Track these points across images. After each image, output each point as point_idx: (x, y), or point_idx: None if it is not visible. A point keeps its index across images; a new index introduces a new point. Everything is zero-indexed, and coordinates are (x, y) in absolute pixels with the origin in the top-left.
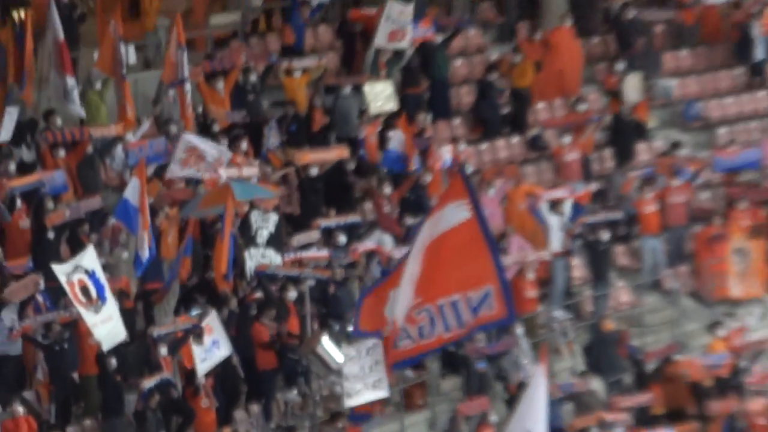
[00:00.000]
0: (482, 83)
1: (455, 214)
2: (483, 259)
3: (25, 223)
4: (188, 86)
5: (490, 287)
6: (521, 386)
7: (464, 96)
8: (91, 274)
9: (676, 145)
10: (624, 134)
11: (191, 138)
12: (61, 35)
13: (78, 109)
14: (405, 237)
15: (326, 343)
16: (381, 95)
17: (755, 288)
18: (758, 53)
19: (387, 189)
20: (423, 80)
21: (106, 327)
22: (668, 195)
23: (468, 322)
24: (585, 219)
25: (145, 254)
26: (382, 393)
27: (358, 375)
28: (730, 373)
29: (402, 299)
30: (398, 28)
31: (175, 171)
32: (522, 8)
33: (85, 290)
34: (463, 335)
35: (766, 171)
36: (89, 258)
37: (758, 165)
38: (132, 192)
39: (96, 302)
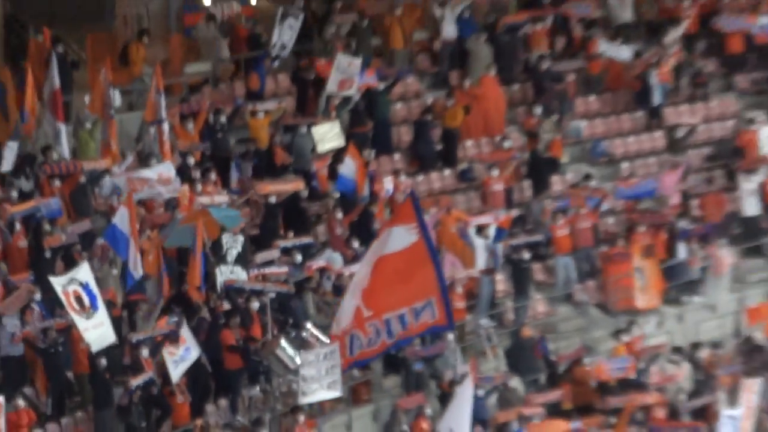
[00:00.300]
0: (419, 123)
1: (404, 237)
2: (429, 275)
3: (23, 243)
4: (166, 125)
5: (433, 298)
6: (452, 383)
7: (403, 134)
8: (85, 286)
9: (586, 177)
10: (540, 168)
11: (135, 173)
12: (57, 84)
13: (65, 152)
14: (353, 257)
15: (284, 346)
16: (328, 134)
17: (653, 300)
18: (655, 99)
19: (339, 214)
20: (368, 121)
21: (97, 331)
22: (577, 221)
23: (411, 327)
24: (508, 241)
25: (138, 273)
26: (336, 393)
27: (315, 377)
28: (632, 373)
29: (346, 310)
30: (347, 77)
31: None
32: (453, 59)
33: (78, 299)
34: (406, 337)
35: (661, 199)
36: (84, 272)
37: (654, 194)
38: (121, 219)
39: (88, 310)
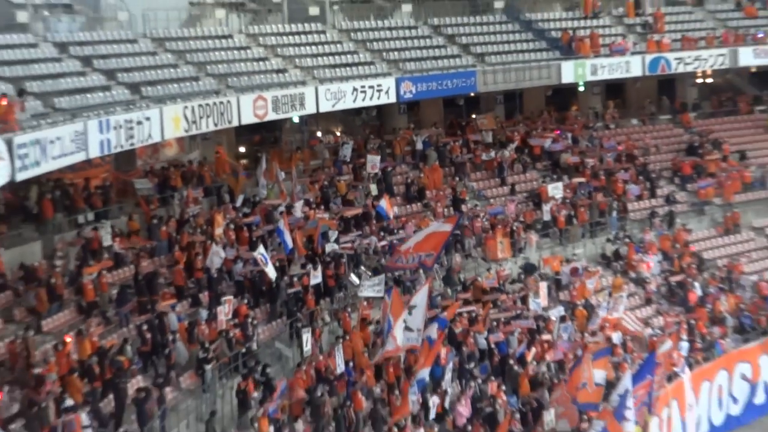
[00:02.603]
0: None
1: (440, 226)
2: (440, 242)
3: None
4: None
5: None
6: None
7: None
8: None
9: None
10: None
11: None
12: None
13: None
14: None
15: (351, 275)
16: None
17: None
18: None
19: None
20: None
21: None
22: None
23: (425, 261)
24: None
25: (289, 245)
26: (379, 294)
27: (366, 286)
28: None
29: (403, 248)
30: None
31: None
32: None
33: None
34: (421, 264)
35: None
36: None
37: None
38: (281, 225)
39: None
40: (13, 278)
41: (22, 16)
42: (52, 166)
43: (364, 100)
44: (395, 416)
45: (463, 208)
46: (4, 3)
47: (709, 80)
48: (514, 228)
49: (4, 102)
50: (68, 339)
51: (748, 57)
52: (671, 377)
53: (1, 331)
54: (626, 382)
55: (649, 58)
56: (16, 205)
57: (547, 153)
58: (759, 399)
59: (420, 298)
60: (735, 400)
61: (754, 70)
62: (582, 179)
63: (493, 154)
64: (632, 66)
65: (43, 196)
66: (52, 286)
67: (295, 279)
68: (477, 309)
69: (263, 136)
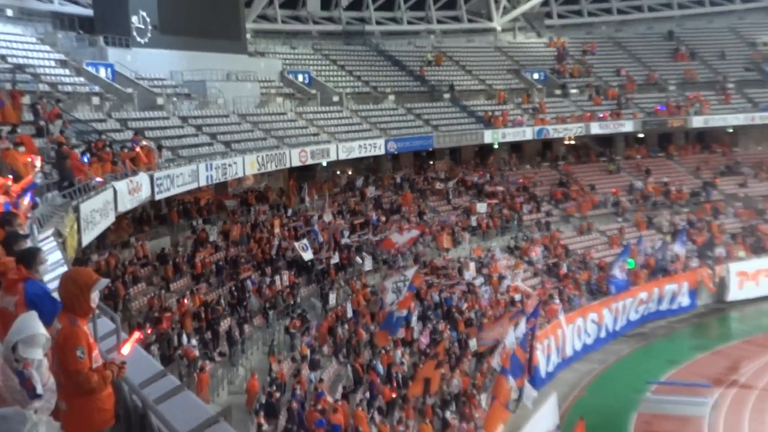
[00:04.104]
0: None
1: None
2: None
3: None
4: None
5: None
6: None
7: None
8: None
9: None
10: None
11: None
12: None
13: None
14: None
15: (358, 257)
16: None
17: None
18: None
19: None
20: None
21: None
22: None
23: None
24: None
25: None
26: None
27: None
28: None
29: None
30: None
31: None
32: None
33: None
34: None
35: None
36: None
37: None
38: None
39: None
40: (152, 258)
41: (159, 100)
42: (177, 191)
43: (365, 152)
44: (382, 342)
45: (426, 218)
46: (149, 93)
47: (572, 142)
48: (455, 230)
49: (150, 152)
50: (186, 299)
51: (596, 128)
52: (550, 320)
53: (146, 290)
54: (521, 326)
55: (537, 128)
56: (156, 214)
57: (475, 185)
58: (602, 334)
59: (409, 273)
60: (588, 335)
61: (599, 135)
62: (496, 201)
63: (443, 185)
64: (526, 133)
65: (172, 208)
66: (176, 263)
67: (324, 259)
68: (432, 278)
69: (305, 173)
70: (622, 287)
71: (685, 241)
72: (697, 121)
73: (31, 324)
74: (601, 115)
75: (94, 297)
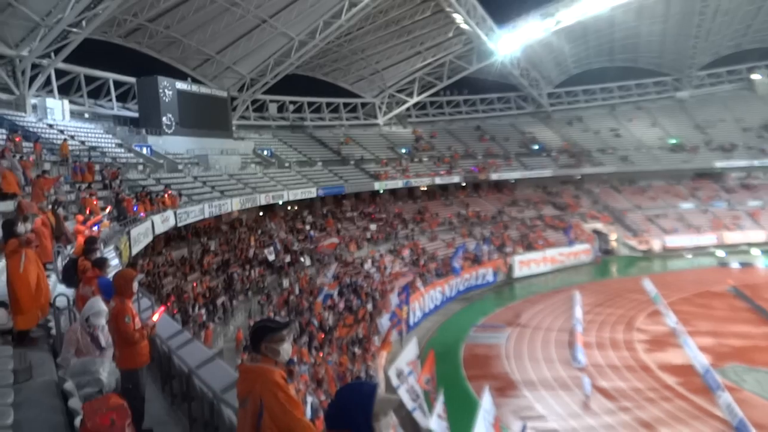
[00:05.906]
0: None
1: None
2: None
3: None
4: None
5: None
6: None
7: None
8: None
9: None
10: None
11: None
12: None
13: None
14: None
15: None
16: None
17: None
18: None
19: None
20: None
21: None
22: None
23: None
24: None
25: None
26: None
27: None
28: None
29: None
30: None
31: None
32: None
33: None
34: None
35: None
36: None
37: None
38: None
39: None
40: (176, 261)
41: (180, 166)
42: (191, 221)
43: (305, 196)
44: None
45: (341, 233)
46: (173, 162)
47: (425, 188)
48: (358, 240)
49: (174, 198)
50: (196, 284)
51: (438, 180)
52: (416, 290)
53: (171, 281)
54: (398, 296)
55: (404, 180)
56: (178, 235)
57: (369, 214)
58: (444, 299)
59: (333, 267)
60: (436, 299)
61: (440, 184)
62: (381, 223)
63: (351, 214)
64: (398, 183)
65: (188, 231)
66: (191, 264)
67: (281, 260)
68: (346, 269)
69: (269, 209)
70: (457, 271)
71: (489, 244)
72: (494, 176)
73: (97, 304)
74: (441, 173)
75: (135, 285)
